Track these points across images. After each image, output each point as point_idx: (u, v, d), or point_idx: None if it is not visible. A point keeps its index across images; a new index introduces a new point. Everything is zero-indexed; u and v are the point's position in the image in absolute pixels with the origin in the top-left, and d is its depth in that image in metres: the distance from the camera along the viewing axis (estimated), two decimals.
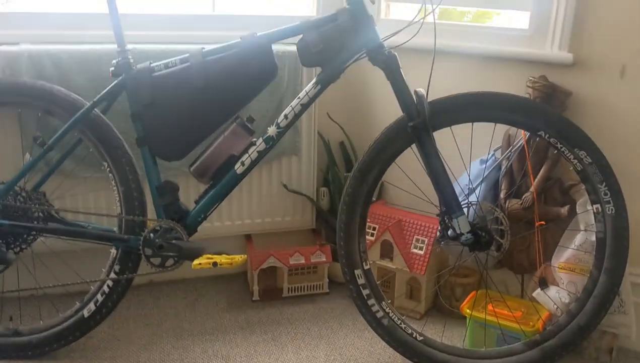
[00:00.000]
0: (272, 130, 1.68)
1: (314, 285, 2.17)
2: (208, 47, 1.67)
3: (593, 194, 1.61)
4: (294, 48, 1.67)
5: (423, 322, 2.01)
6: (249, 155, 1.69)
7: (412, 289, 2.06)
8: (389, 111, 1.71)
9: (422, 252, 2.01)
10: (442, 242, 1.72)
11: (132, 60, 1.68)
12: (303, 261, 2.11)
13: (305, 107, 1.68)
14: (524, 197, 1.82)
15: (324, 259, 2.13)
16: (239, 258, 1.60)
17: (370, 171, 1.69)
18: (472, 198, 1.82)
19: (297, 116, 1.69)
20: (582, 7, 1.74)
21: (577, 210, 1.75)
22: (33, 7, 1.97)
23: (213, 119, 1.69)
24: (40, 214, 1.72)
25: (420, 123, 1.59)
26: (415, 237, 2.04)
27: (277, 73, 1.69)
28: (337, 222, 1.74)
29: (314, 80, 1.66)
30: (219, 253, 1.66)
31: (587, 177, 1.60)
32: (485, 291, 1.85)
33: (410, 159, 1.66)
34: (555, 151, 1.63)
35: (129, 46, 1.68)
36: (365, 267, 1.73)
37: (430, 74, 1.62)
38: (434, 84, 1.61)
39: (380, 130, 1.68)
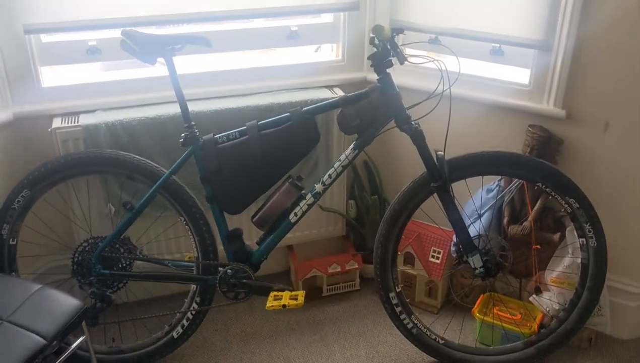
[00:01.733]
0: (319, 187, 2.05)
1: (348, 284, 2.61)
2: (262, 121, 2.01)
3: (579, 230, 2.02)
4: (326, 95, 2.18)
5: (439, 315, 2.49)
6: (301, 208, 2.06)
7: (430, 289, 2.51)
8: (402, 135, 2.00)
9: (438, 261, 2.43)
10: (459, 267, 2.15)
11: (197, 133, 2.01)
12: (339, 269, 2.53)
13: (345, 167, 2.04)
14: (523, 225, 2.22)
15: (356, 266, 2.56)
16: (301, 297, 2.01)
17: (400, 217, 2.07)
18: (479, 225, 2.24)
19: (339, 175, 2.05)
20: (574, 70, 2.06)
21: (567, 238, 2.17)
22: (105, 77, 2.26)
23: (269, 180, 2.05)
24: (131, 261, 2.12)
25: (442, 184, 1.96)
26: (433, 247, 2.46)
27: (320, 140, 2.03)
28: (373, 256, 2.14)
29: (352, 147, 2.01)
30: (282, 290, 2.07)
31: (575, 218, 2.01)
32: (491, 297, 2.32)
33: None
34: (550, 197, 2.02)
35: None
36: (397, 290, 2.16)
37: (447, 136, 1.97)
38: (443, 125, 1.93)
39: (398, 155, 2.16)
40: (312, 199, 2.06)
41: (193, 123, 2.01)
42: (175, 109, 2.19)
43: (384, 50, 1.93)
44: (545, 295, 2.25)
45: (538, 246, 2.19)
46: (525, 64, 2.18)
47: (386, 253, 2.12)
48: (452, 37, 2.21)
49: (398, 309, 2.16)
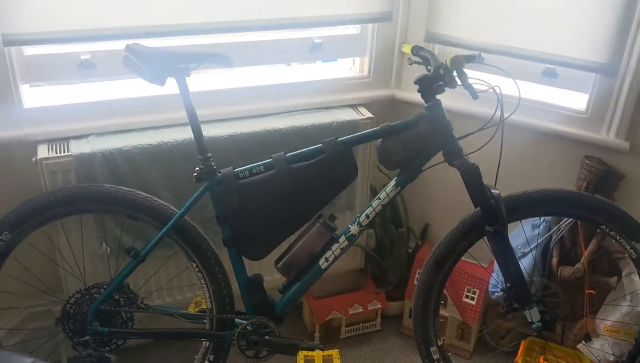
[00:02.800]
0: (354, 229, 1.77)
1: (368, 325, 2.35)
2: (291, 154, 1.72)
3: None
4: (352, 118, 1.89)
5: (472, 360, 2.25)
6: (333, 252, 1.78)
7: (463, 331, 2.27)
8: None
9: (474, 302, 2.20)
10: (508, 316, 1.91)
11: (214, 166, 1.71)
12: (361, 310, 2.27)
13: (385, 206, 1.77)
14: (575, 267, 2.00)
15: (379, 306, 2.30)
16: (336, 358, 1.75)
17: (446, 262, 1.82)
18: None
19: (377, 215, 1.78)
20: (638, 102, 1.84)
21: (625, 284, 1.96)
22: (98, 96, 1.92)
23: (299, 220, 1.76)
24: (133, 314, 1.81)
25: (501, 228, 1.71)
26: (467, 287, 2.22)
27: (358, 173, 1.76)
28: (413, 305, 1.89)
29: (393, 183, 1.74)
30: (311, 348, 1.79)
31: None
32: (533, 343, 2.09)
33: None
34: (614, 241, 1.80)
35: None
36: (439, 343, 1.91)
37: (498, 171, 1.72)
38: (490, 151, 1.69)
39: (426, 181, 1.83)
40: (346, 242, 1.78)
41: (209, 154, 1.70)
42: (183, 134, 1.89)
43: (435, 74, 1.68)
44: (596, 343, 2.04)
45: (592, 291, 1.98)
46: (583, 88, 1.94)
47: (428, 302, 1.86)
48: (497, 55, 1.96)
49: None
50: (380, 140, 1.72)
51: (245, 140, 1.94)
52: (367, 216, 1.77)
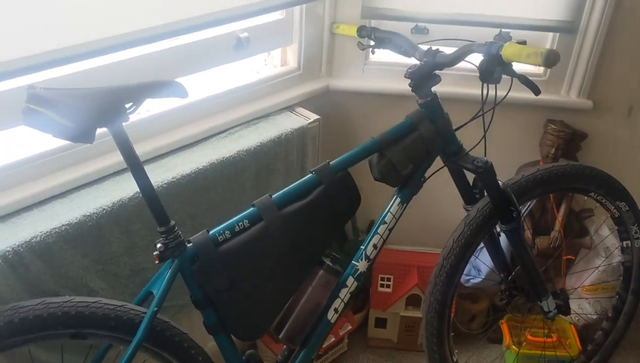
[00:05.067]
0: (362, 265, 1.44)
1: (336, 350, 2.05)
2: (277, 194, 1.30)
3: (625, 233, 1.79)
4: (298, 124, 1.56)
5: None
6: (342, 300, 1.43)
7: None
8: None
9: (390, 290, 2.02)
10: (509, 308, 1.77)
11: (181, 236, 1.23)
12: (333, 339, 1.95)
13: (392, 230, 1.47)
14: (552, 236, 1.92)
15: (350, 327, 2.00)
16: None
17: (457, 271, 1.59)
18: None
19: (385, 242, 1.47)
20: (603, 55, 1.77)
21: (595, 241, 1.94)
22: None
23: (301, 276, 1.37)
24: None
25: (518, 225, 1.52)
26: (380, 274, 2.04)
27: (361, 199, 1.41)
28: (426, 328, 1.63)
29: (397, 201, 1.44)
30: None
31: (622, 221, 1.77)
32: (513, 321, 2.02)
33: None
34: (598, 204, 1.74)
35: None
36: (455, 360, 1.70)
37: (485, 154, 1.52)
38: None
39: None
40: (355, 284, 1.44)
41: (173, 223, 1.21)
42: (110, 193, 1.35)
43: (429, 63, 1.38)
44: (573, 304, 2.00)
45: (572, 256, 1.93)
46: None
47: (443, 321, 1.62)
48: (448, 25, 1.72)
49: None
50: (375, 154, 1.40)
51: (188, 184, 1.45)
52: (375, 246, 1.45)
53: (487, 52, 1.22)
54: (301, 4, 1.64)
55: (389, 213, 1.44)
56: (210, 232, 1.27)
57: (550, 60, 1.09)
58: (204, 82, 1.64)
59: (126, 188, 1.38)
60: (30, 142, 1.33)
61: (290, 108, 1.75)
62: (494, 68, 1.22)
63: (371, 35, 1.61)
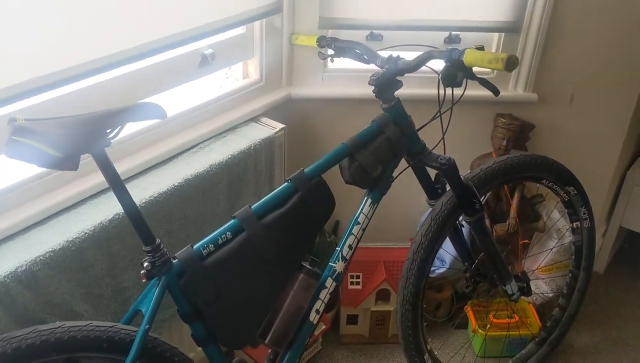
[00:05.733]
0: (339, 266, 1.50)
1: (311, 350, 2.11)
2: (254, 204, 1.35)
3: (574, 215, 1.93)
4: (265, 134, 1.62)
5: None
6: (322, 300, 1.50)
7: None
8: None
9: (360, 287, 2.10)
10: (475, 296, 1.87)
11: (166, 253, 1.26)
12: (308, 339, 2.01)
13: (365, 230, 1.53)
14: (508, 223, 2.04)
15: (324, 327, 2.06)
16: None
17: (427, 264, 1.67)
18: None
19: (359, 242, 1.53)
20: (545, 50, 1.90)
21: (547, 225, 2.07)
22: None
23: (282, 281, 1.42)
24: None
25: (481, 216, 1.62)
26: (349, 272, 2.11)
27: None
28: (401, 320, 1.71)
29: (368, 202, 1.51)
30: None
31: (571, 204, 1.91)
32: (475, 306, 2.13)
33: None
34: (549, 190, 1.86)
35: None
36: (428, 348, 1.79)
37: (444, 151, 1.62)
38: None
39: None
40: (334, 284, 1.51)
41: (158, 241, 1.24)
42: (91, 216, 1.37)
43: (391, 70, 1.45)
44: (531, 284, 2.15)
45: (527, 241, 2.05)
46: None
47: (416, 313, 1.71)
48: (400, 31, 1.81)
49: None
50: (346, 159, 1.46)
51: (165, 201, 1.48)
52: (350, 247, 1.51)
53: (449, 58, 1.30)
54: (261, 18, 1.69)
55: (362, 214, 1.51)
56: (195, 247, 1.30)
57: (511, 64, 1.18)
58: (170, 100, 1.67)
59: (104, 210, 1.39)
60: (2, 173, 1.33)
61: (255, 119, 1.80)
62: (456, 73, 1.30)
63: (331, 44, 1.67)
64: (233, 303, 1.34)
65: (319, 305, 1.49)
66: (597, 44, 1.94)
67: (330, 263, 1.51)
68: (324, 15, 1.81)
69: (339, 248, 1.51)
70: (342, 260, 1.51)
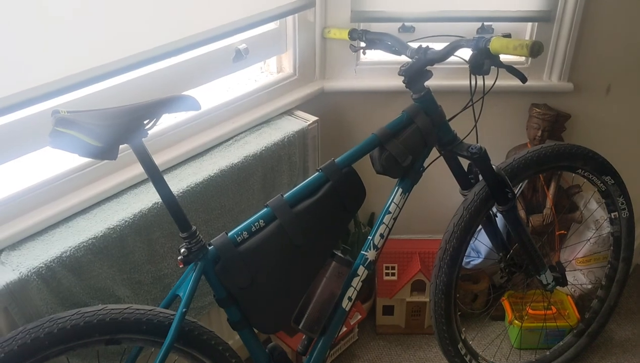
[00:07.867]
0: (371, 254, 1.53)
1: (348, 340, 2.14)
2: (289, 194, 1.39)
3: (612, 205, 1.90)
4: (299, 127, 1.63)
5: None
6: (355, 288, 1.53)
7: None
8: None
9: (395, 278, 2.12)
10: (511, 286, 1.87)
11: (202, 240, 1.31)
12: (345, 329, 2.04)
13: (396, 219, 1.56)
14: (544, 214, 2.02)
15: (360, 317, 2.09)
16: None
17: (460, 254, 1.68)
18: None
19: (390, 231, 1.56)
20: (580, 39, 1.88)
21: (585, 215, 2.04)
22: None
23: (315, 268, 1.46)
24: None
25: (514, 205, 1.62)
26: (385, 264, 2.13)
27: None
28: (434, 309, 1.73)
29: (399, 192, 1.53)
30: None
31: (608, 194, 1.87)
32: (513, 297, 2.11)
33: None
34: (585, 180, 1.84)
35: None
36: (463, 337, 1.80)
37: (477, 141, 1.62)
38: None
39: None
40: (365, 272, 1.54)
41: (194, 228, 1.29)
42: (130, 205, 1.43)
43: (420, 60, 1.47)
44: (568, 276, 2.12)
45: (564, 231, 2.03)
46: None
47: (449, 302, 1.72)
48: (433, 22, 1.82)
49: (467, 358, 1.81)
50: (376, 149, 1.49)
51: (201, 192, 1.53)
52: (382, 235, 1.54)
53: (476, 46, 1.31)
54: (294, 13, 1.73)
55: (393, 203, 1.54)
56: (229, 234, 1.35)
57: (535, 50, 1.19)
58: (206, 94, 1.73)
59: (144, 199, 1.46)
60: (43, 165, 1.41)
61: (289, 112, 1.84)
62: (483, 61, 1.31)
63: (362, 37, 1.70)
64: (267, 289, 1.38)
65: (351, 292, 1.52)
66: (634, 32, 1.90)
67: (362, 252, 1.54)
68: (355, 8, 1.83)
69: (370, 237, 1.54)
70: (373, 249, 1.53)
